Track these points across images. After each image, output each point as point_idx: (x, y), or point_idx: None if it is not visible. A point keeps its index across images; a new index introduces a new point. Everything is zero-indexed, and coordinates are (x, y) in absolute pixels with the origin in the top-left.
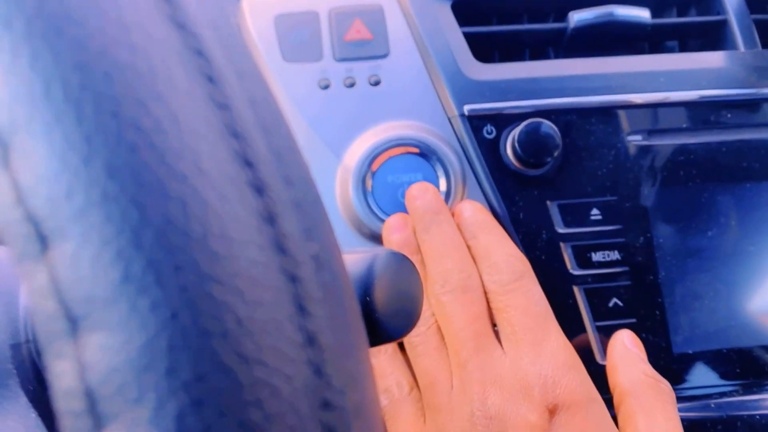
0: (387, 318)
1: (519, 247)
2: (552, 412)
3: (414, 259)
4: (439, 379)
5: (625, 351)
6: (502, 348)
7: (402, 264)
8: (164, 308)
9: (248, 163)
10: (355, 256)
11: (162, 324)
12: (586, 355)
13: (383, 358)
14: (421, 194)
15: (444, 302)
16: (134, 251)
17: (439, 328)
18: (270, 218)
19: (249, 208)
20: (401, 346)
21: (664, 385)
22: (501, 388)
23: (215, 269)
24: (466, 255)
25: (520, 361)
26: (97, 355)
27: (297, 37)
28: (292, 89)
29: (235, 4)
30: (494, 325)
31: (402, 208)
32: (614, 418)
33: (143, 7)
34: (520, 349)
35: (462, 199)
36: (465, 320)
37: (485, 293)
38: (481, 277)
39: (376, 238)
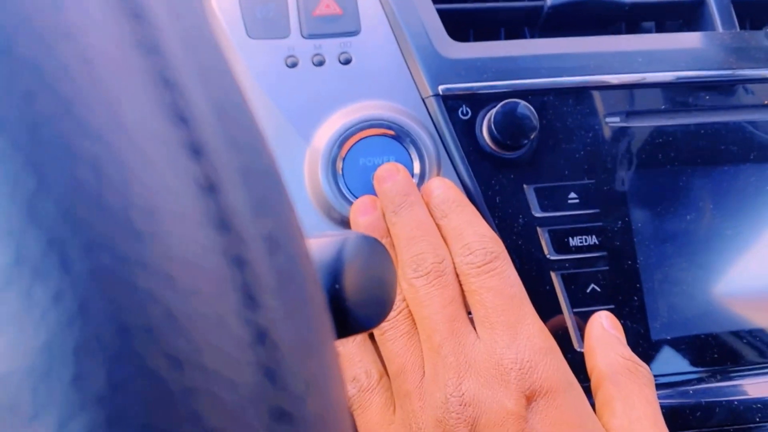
0: (358, 307)
1: (495, 232)
2: (529, 398)
3: (383, 242)
4: (410, 365)
5: (603, 333)
6: (476, 333)
7: (374, 248)
8: (69, 299)
9: (183, 119)
10: (322, 240)
11: (66, 319)
12: (563, 341)
13: (351, 345)
14: (390, 175)
15: (417, 287)
16: (29, 226)
17: (409, 313)
18: (210, 187)
19: (183, 174)
20: (370, 333)
21: (643, 368)
22: (476, 373)
23: (137, 250)
24: (438, 238)
25: (495, 344)
26: None
27: (262, 12)
28: (257, 67)
29: None
30: (469, 313)
31: (373, 192)
32: (592, 402)
33: None
34: (495, 333)
35: None
36: (439, 304)
37: (457, 276)
38: (452, 258)
39: (347, 224)
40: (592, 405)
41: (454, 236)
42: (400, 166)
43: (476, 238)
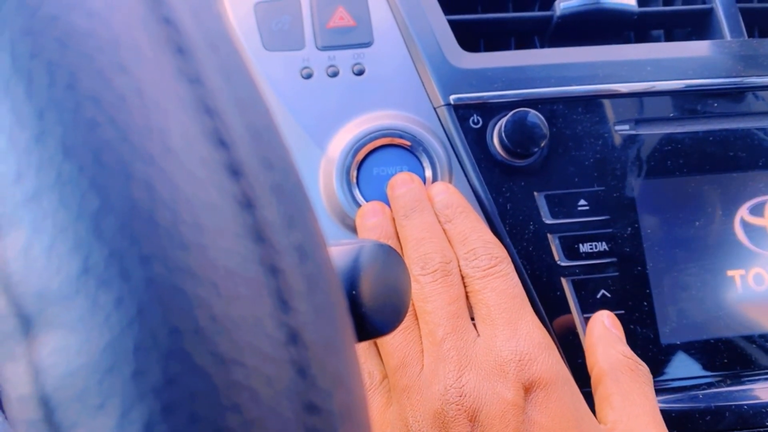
0: (374, 312)
1: (506, 239)
2: (528, 389)
3: (389, 243)
4: (409, 359)
5: (604, 331)
6: (477, 333)
7: (389, 256)
8: (129, 304)
9: (223, 143)
10: (339, 248)
11: (127, 321)
12: (574, 347)
13: None
14: (405, 183)
15: (423, 283)
16: (94, 240)
17: (411, 309)
18: (247, 204)
19: (224, 192)
20: None
21: (642, 367)
22: (476, 367)
23: (186, 260)
24: (446, 241)
25: (495, 338)
26: (54, 357)
27: (278, 25)
28: (273, 79)
29: None
30: (472, 319)
31: (387, 201)
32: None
33: None
34: (496, 328)
35: None
36: (443, 300)
37: (462, 279)
38: (458, 261)
39: None
40: (591, 409)
41: (460, 241)
42: (415, 176)
43: (481, 243)
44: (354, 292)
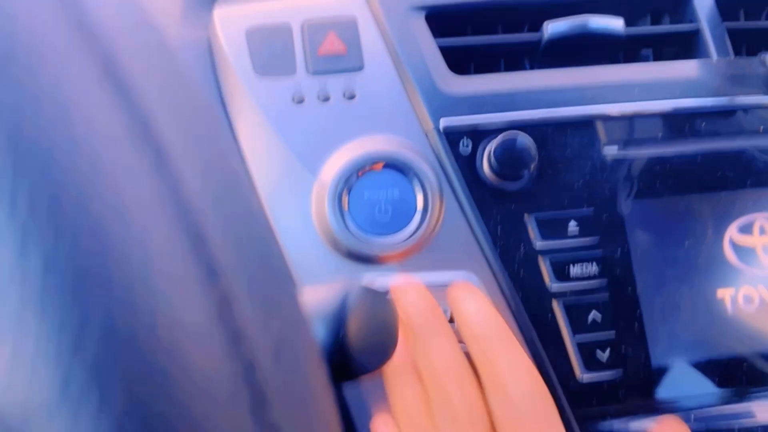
0: (360, 353)
1: (497, 262)
2: None
3: (414, 378)
4: None
5: None
6: None
7: (375, 299)
8: (108, 422)
9: (202, 245)
10: (326, 291)
11: None
12: (566, 370)
13: None
14: (417, 302)
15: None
16: (74, 358)
17: None
18: (226, 306)
19: (203, 303)
20: None
21: None
22: None
23: (165, 378)
24: (470, 377)
25: None
26: None
27: (269, 51)
28: (265, 104)
29: (203, 26)
30: None
31: (379, 226)
32: None
33: (80, 76)
34: None
35: (439, 215)
36: None
37: (491, 417)
38: (487, 399)
39: (353, 256)
40: None
41: (488, 372)
42: (422, 288)
43: (513, 379)
44: (341, 333)
